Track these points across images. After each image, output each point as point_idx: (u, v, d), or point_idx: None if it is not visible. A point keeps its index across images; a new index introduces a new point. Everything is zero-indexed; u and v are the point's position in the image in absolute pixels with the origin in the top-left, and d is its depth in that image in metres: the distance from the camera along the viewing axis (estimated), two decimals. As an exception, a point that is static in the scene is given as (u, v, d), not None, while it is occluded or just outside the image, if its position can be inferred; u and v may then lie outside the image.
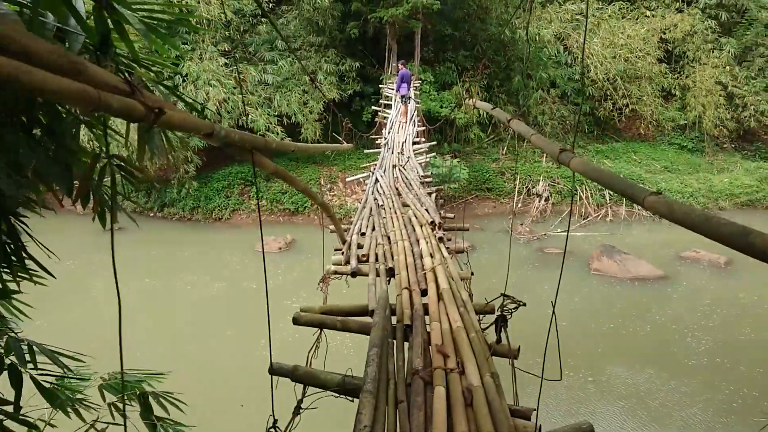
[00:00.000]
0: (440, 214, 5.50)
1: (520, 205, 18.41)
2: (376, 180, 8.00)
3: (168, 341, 10.33)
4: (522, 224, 16.93)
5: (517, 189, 18.66)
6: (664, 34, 20.77)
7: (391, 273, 3.80)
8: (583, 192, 18.44)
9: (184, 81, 16.40)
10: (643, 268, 13.59)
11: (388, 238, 4.84)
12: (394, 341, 2.53)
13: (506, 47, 20.74)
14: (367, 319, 2.87)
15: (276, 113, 16.95)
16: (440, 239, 4.55)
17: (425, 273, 3.37)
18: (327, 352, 2.86)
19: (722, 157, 20.97)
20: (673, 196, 18.12)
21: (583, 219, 17.73)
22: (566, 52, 20.97)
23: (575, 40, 19.82)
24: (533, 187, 18.79)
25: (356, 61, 18.94)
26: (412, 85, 15.75)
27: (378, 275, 3.70)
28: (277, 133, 16.80)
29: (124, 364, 1.65)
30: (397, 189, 7.13)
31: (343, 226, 5.61)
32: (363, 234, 5.13)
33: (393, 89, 16.29)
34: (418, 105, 16.05)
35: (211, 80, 15.94)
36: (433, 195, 6.63)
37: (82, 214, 18.62)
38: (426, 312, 2.90)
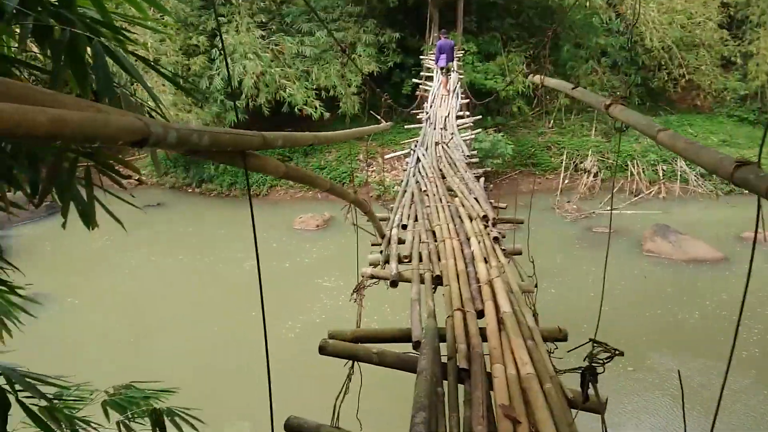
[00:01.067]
0: (491, 203, 4.98)
1: (567, 182, 17.60)
2: (418, 159, 7.39)
3: (187, 323, 10.08)
4: (569, 201, 16.17)
5: (564, 164, 17.83)
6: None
7: (438, 281, 3.29)
8: (634, 167, 17.52)
9: (221, 54, 16.08)
10: (701, 249, 12.77)
11: (433, 233, 4.30)
12: (445, 393, 2.05)
13: (554, 14, 19.69)
14: (409, 347, 2.39)
15: (314, 87, 16.48)
16: (495, 239, 3.99)
17: (480, 286, 2.88)
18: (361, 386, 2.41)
19: (787, 130, 19.61)
20: (731, 172, 17.01)
21: (634, 196, 16.83)
22: (618, 19, 19.81)
23: (628, 5, 18.62)
24: (581, 163, 17.93)
25: (396, 31, 18.24)
26: (454, 56, 15.12)
27: (423, 282, 3.19)
28: (316, 108, 16.37)
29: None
30: (440, 170, 6.54)
31: (379, 213, 5.15)
32: (404, 227, 4.53)
33: (434, 60, 15.64)
34: (461, 77, 15.33)
35: (247, 53, 15.54)
36: (482, 180, 6.05)
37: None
38: (484, 338, 2.39)
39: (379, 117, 6.88)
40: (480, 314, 2.52)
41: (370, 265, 3.87)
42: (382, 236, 4.14)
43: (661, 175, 17.32)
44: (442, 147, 8.02)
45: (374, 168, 16.09)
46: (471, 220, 4.49)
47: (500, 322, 2.33)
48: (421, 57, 17.70)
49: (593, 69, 19.48)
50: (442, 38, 14.53)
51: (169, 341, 9.33)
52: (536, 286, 3.17)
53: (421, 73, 16.50)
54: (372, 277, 3.49)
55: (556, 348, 2.38)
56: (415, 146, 8.44)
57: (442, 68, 14.18)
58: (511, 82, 17.31)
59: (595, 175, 17.55)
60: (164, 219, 15.64)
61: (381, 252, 3.91)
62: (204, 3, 17.18)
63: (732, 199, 16.33)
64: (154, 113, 2.54)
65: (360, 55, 17.23)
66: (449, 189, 5.69)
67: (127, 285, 11.71)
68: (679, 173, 17.25)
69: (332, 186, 2.56)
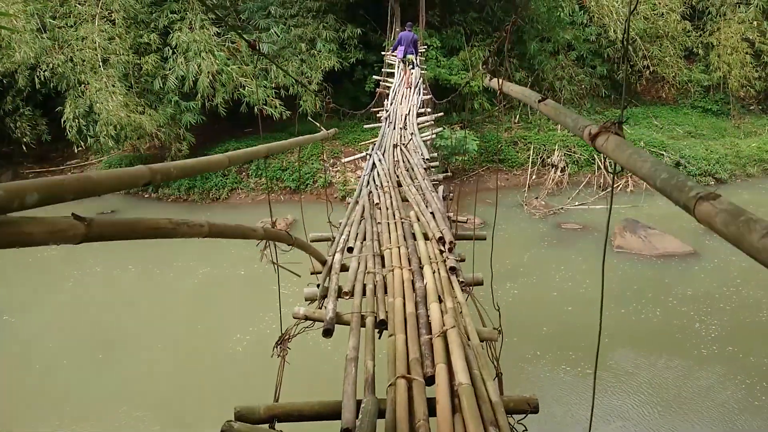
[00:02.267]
0: (450, 217, 4.53)
1: (534, 177, 17.34)
2: (373, 165, 6.87)
3: (131, 337, 9.45)
4: (537, 198, 15.90)
5: (531, 160, 17.57)
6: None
7: (383, 325, 2.80)
8: (601, 161, 17.34)
9: (173, 53, 15.38)
10: (670, 243, 12.58)
11: (382, 258, 3.76)
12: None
13: (518, 8, 19.40)
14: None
15: (272, 85, 15.89)
16: (452, 269, 3.40)
17: (432, 339, 2.34)
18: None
19: (749, 120, 19.69)
20: (698, 164, 16.98)
21: (602, 190, 16.65)
22: (582, 11, 19.62)
23: (593, -4, 18.42)
24: (548, 158, 17.69)
25: (357, 27, 17.72)
26: (418, 51, 14.76)
27: (363, 325, 2.71)
28: (276, 107, 15.77)
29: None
30: (397, 177, 6.09)
31: (331, 229, 4.64)
32: (350, 249, 3.96)
33: (395, 56, 15.22)
34: (423, 72, 14.89)
35: (201, 51, 14.87)
36: (441, 189, 5.55)
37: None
38: (433, 412, 1.88)
39: (318, 125, 6.33)
40: (430, 381, 2.04)
41: (307, 300, 3.39)
42: (323, 262, 3.64)
43: (628, 168, 17.15)
44: (401, 149, 7.52)
45: (338, 168, 15.58)
46: (426, 240, 4.00)
47: (455, 397, 1.86)
48: (383, 53, 17.24)
49: (560, 62, 19.24)
50: (407, 29, 14.37)
51: (113, 356, 8.73)
52: (500, 332, 2.73)
53: (383, 70, 16.03)
54: (306, 318, 2.99)
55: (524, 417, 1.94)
56: (373, 149, 7.92)
57: (402, 60, 13.95)
58: (471, 79, 17.00)
59: (563, 170, 17.32)
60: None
61: (319, 285, 3.40)
62: (155, -1, 16.45)
63: (699, 191, 16.27)
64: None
65: (320, 52, 16.67)
66: (405, 199, 5.22)
67: (70, 297, 11.04)
68: (645, 166, 17.12)
69: (245, 230, 2.08)
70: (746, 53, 18.95)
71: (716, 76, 19.26)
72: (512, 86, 3.01)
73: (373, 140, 9.71)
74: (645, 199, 16.06)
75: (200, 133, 17.17)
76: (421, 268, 3.43)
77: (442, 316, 2.47)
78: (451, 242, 3.70)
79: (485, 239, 4.40)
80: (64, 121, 15.36)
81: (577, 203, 15.57)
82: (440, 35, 19.01)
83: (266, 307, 10.08)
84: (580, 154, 17.60)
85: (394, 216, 4.67)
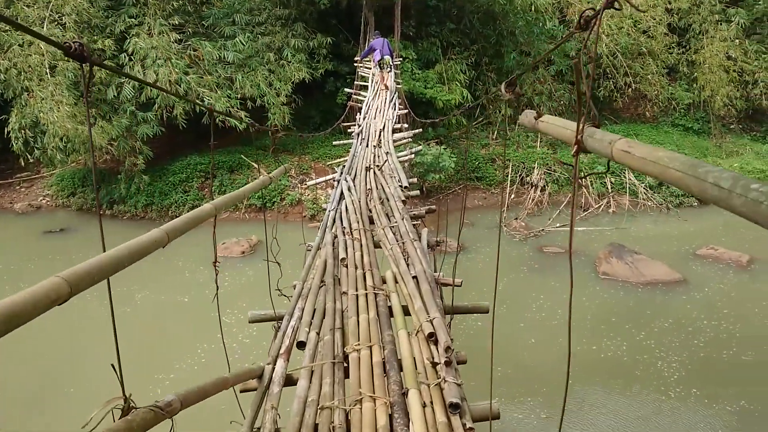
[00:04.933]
0: (440, 281, 3.47)
1: (513, 196, 16.56)
2: (341, 195, 5.76)
3: (81, 372, 8.31)
4: (517, 218, 15.09)
5: (509, 178, 16.80)
6: (670, 3, 18.79)
7: None
8: (582, 180, 16.65)
9: (131, 60, 14.28)
10: (658, 270, 11.84)
11: (346, 364, 2.66)
12: None
13: (497, 20, 18.71)
14: None
15: (238, 96, 14.85)
16: (453, 406, 2.21)
17: None
18: None
19: (730, 140, 19.23)
20: (681, 184, 16.35)
21: (584, 211, 15.93)
22: (561, 25, 19.01)
23: (577, 9, 17.75)
24: (527, 176, 16.94)
25: (328, 36, 16.81)
26: (393, 63, 14.14)
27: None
28: (241, 119, 14.72)
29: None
30: (369, 211, 5.11)
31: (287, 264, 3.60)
32: (302, 345, 2.86)
33: (369, 68, 14.42)
34: (398, 86, 14.03)
35: (159, 58, 13.80)
36: (425, 233, 4.49)
37: (21, 213, 16.54)
38: None
39: (257, 166, 5.36)
40: None
41: (251, 323, 2.37)
42: (256, 376, 2.55)
43: (609, 188, 16.49)
44: (374, 173, 6.52)
45: (306, 185, 14.60)
46: (409, 336, 2.83)
47: None
48: (355, 64, 16.35)
49: (541, 77, 18.57)
50: (375, 38, 14.20)
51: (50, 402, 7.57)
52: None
53: (355, 82, 15.12)
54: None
55: None
56: (342, 172, 6.88)
57: (378, 62, 13.59)
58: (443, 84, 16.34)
59: (543, 189, 16.58)
60: (62, 247, 13.65)
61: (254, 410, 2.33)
62: (111, 3, 15.32)
63: (683, 212, 15.72)
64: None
65: (289, 62, 15.71)
66: (378, 244, 4.22)
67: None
68: (627, 186, 16.49)
69: None
70: (733, 71, 18.52)
71: (704, 95, 18.74)
72: (553, 120, 2.15)
73: (339, 160, 8.74)
74: (627, 220, 15.40)
75: (159, 146, 16.04)
76: (405, 394, 2.36)
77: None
78: (448, 347, 2.63)
79: (487, 312, 3.41)
80: (9, 132, 14.15)
81: (558, 225, 14.79)
82: (416, 47, 18.21)
83: (201, 337, 9.00)
84: (560, 173, 16.90)
85: (364, 280, 3.58)
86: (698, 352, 8.81)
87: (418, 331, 2.87)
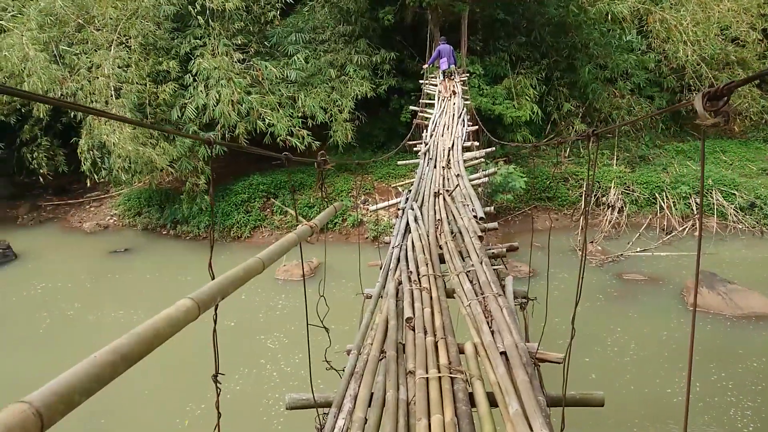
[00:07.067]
0: (534, 358, 2.72)
1: (588, 218, 15.51)
2: (407, 227, 4.94)
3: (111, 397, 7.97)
4: (593, 242, 14.05)
5: (585, 199, 15.77)
6: (762, 8, 17.32)
7: None
8: (663, 200, 15.44)
9: (194, 80, 14.23)
10: (756, 301, 10.61)
11: None
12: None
13: (569, 32, 17.79)
14: None
15: (300, 114, 14.54)
16: None
17: None
18: None
19: (830, 158, 17.55)
20: (775, 206, 14.92)
21: (666, 234, 14.70)
22: (640, 36, 17.89)
23: (658, 17, 16.58)
24: (603, 196, 15.86)
25: (391, 51, 16.36)
26: (457, 71, 14.17)
27: None
28: (303, 138, 14.39)
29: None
30: (440, 249, 4.39)
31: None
32: None
33: (435, 85, 13.92)
34: (467, 102, 13.35)
35: (222, 78, 13.66)
36: (509, 281, 3.74)
37: (90, 232, 16.73)
38: None
39: (325, 197, 4.76)
40: None
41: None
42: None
43: (694, 209, 15.21)
44: (443, 199, 5.78)
45: (369, 209, 14.07)
46: None
47: None
48: (421, 81, 15.78)
49: (616, 92, 17.49)
50: (441, 44, 14.11)
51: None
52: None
53: (421, 100, 14.53)
54: None
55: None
56: (406, 198, 6.10)
57: (444, 71, 13.76)
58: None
59: (620, 211, 15.46)
60: (130, 266, 13.63)
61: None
62: (177, 25, 15.37)
63: (780, 236, 14.28)
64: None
65: (352, 78, 15.32)
66: (450, 294, 3.50)
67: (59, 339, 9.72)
68: (715, 207, 15.14)
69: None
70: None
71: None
72: None
73: (409, 179, 8.09)
74: (715, 245, 14.09)
75: (222, 166, 15.93)
76: None
77: None
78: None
79: (602, 405, 2.68)
80: (80, 153, 14.38)
81: (638, 249, 13.67)
82: (483, 62, 17.51)
83: (244, 362, 8.53)
84: (640, 193, 15.73)
85: (436, 353, 2.77)
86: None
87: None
